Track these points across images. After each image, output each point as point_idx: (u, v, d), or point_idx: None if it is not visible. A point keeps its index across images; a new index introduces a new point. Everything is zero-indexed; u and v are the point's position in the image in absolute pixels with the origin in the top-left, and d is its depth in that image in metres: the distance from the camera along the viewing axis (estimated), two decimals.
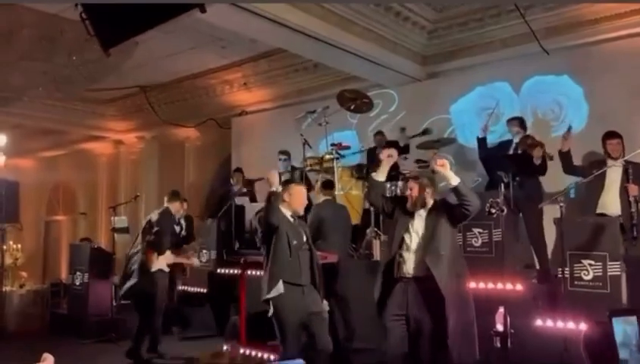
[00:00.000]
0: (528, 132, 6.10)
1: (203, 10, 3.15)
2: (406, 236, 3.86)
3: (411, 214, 3.92)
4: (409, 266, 3.80)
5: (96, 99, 11.24)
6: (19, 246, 12.71)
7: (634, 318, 3.25)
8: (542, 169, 5.61)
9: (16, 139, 13.30)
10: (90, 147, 13.61)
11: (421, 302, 3.70)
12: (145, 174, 12.44)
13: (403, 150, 6.96)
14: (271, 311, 4.01)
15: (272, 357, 4.90)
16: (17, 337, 7.62)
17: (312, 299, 4.11)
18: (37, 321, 9.00)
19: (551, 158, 5.52)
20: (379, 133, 7.46)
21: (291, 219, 4.21)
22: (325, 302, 4.31)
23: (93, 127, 12.31)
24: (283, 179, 5.50)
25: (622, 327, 3.19)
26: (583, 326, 4.33)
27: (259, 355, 5.31)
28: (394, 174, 5.84)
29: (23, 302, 9.52)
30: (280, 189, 4.14)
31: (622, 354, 3.19)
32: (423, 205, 3.88)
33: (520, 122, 6.12)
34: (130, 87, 10.32)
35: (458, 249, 4.16)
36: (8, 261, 11.11)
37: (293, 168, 7.64)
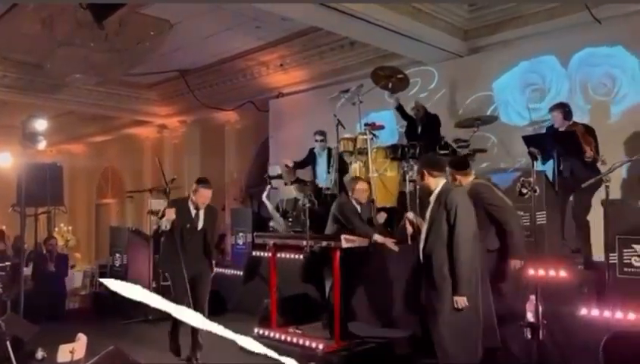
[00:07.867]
0: (582, 110, 5.61)
1: None
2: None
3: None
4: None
5: (139, 84, 11.40)
6: (70, 228, 13.21)
7: None
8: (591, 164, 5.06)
9: (68, 126, 13.79)
10: (136, 132, 13.90)
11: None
12: (187, 157, 12.59)
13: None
14: None
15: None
16: (67, 317, 7.84)
17: None
18: (86, 301, 9.30)
19: (604, 162, 4.94)
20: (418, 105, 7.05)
21: None
22: None
23: (138, 111, 12.48)
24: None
25: None
26: (632, 317, 4.03)
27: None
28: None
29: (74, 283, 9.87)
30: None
31: None
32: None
33: (565, 110, 5.50)
34: (170, 71, 10.38)
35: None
36: (60, 242, 11.55)
37: (329, 149, 7.48)
